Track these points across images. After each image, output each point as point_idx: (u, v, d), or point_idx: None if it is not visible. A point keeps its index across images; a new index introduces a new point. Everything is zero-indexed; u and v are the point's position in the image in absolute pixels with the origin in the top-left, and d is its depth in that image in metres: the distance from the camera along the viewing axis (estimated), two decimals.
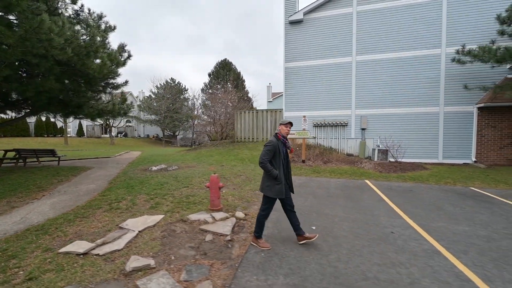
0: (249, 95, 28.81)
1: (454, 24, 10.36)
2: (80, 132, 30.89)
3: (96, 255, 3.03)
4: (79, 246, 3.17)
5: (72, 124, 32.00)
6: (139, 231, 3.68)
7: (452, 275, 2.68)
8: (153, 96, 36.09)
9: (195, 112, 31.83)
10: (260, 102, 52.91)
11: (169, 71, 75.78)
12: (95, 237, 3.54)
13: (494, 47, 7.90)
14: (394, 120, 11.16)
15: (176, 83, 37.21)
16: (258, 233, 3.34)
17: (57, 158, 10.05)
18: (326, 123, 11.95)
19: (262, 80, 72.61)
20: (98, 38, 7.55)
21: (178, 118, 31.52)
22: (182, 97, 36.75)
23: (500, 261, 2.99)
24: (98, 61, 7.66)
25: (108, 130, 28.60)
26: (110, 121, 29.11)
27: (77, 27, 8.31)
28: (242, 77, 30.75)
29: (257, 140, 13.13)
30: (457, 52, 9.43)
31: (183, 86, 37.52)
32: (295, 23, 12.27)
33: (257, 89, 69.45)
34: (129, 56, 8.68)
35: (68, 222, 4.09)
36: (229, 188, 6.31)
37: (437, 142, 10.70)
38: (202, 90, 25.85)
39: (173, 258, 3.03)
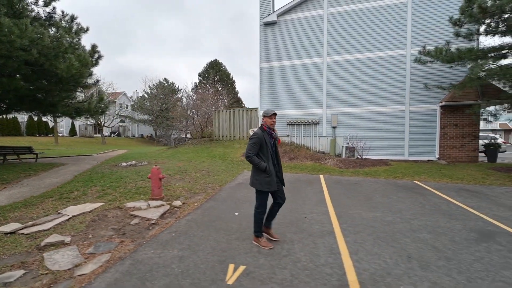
0: (239, 95, 29.18)
1: (418, 25, 10.73)
2: (72, 132, 31.25)
3: (22, 234, 3.40)
4: (10, 227, 3.54)
5: (65, 124, 32.40)
6: (73, 216, 4.05)
7: (327, 250, 3.04)
8: (146, 96, 36.54)
9: (188, 112, 32.28)
10: (254, 101, 53.37)
11: (167, 71, 76.36)
12: (32, 221, 3.90)
13: (445, 48, 8.23)
14: (363, 119, 11.51)
15: (169, 83, 37.66)
16: (257, 232, 3.15)
17: (34, 155, 10.44)
18: (299, 121, 12.31)
19: (257, 80, 73.03)
20: (67, 39, 7.93)
21: (171, 117, 31.92)
22: (175, 97, 37.19)
23: (381, 239, 3.35)
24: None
25: (99, 129, 28.94)
26: (101, 120, 29.55)
27: (52, 29, 8.76)
28: (232, 77, 31.20)
29: (234, 138, 13.50)
30: (419, 52, 9.79)
31: (176, 86, 37.95)
32: (269, 25, 12.65)
33: (252, 89, 69.92)
34: (99, 57, 9.06)
35: (14, 209, 4.46)
36: (184, 181, 6.68)
37: (403, 140, 11.06)
38: (192, 89, 26.29)
39: (90, 236, 3.40)
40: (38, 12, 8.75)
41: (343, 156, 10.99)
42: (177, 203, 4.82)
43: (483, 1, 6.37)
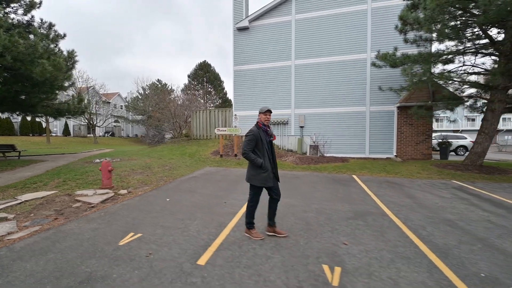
0: (228, 95, 29.93)
1: (377, 31, 11.43)
2: (66, 131, 32.01)
3: None
4: None
5: (59, 124, 33.15)
6: (26, 200, 4.77)
7: (217, 224, 3.75)
8: (140, 97, 37.33)
9: (179, 113, 33.08)
10: None
11: (162, 73, 77.15)
12: None
13: (389, 53, 8.92)
14: (328, 119, 12.22)
15: (162, 84, 38.42)
16: (248, 224, 3.24)
17: (17, 153, 11.17)
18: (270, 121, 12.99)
19: None
20: (42, 46, 8.66)
21: (162, 118, 32.70)
22: (168, 98, 38.01)
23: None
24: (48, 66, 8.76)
25: (91, 129, 29.71)
26: (93, 120, 30.34)
27: (31, 36, 9.48)
28: (220, 78, 31.95)
29: (210, 137, 14.21)
30: (375, 57, 10.49)
31: (170, 87, 38.70)
32: (242, 30, 13.37)
33: None
34: (74, 62, 9.82)
35: None
36: (143, 175, 7.40)
37: (364, 139, 11.76)
38: (182, 90, 27.07)
39: (32, 215, 4.12)
40: (18, 20, 9.49)
41: (308, 154, 11.70)
42: (123, 191, 5.54)
43: (403, 14, 7.08)
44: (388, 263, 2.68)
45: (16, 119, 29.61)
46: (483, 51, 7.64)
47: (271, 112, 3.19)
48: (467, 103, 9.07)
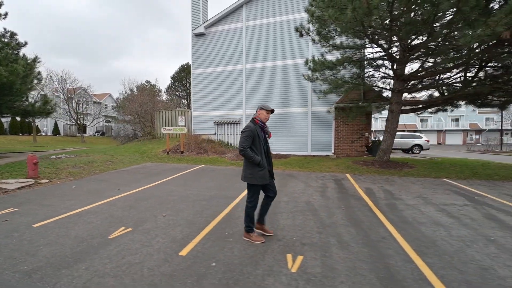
0: None
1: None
2: (56, 131, 33.25)
3: None
4: None
5: (49, 124, 34.44)
6: None
7: (90, 201, 4.70)
8: (130, 97, 38.56)
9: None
10: None
11: (159, 74, 78.55)
12: None
13: (309, 59, 9.75)
14: (275, 119, 13.04)
15: (151, 85, 39.57)
16: (248, 227, 3.11)
17: None
18: (223, 121, 13.96)
19: None
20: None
21: (149, 119, 33.86)
22: (157, 98, 39.19)
23: (147, 200, 4.99)
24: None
25: (78, 129, 30.88)
26: (80, 120, 31.56)
27: None
28: None
29: (171, 136, 15.16)
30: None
31: (158, 88, 39.83)
32: (199, 35, 14.32)
33: None
34: (33, 67, 10.87)
35: None
36: (79, 168, 8.39)
37: (306, 137, 12.65)
38: (165, 91, 28.18)
39: None
40: None
41: None
42: (44, 181, 6.52)
43: (296, 27, 8.04)
44: (179, 225, 3.60)
45: (6, 119, 30.91)
46: (378, 56, 8.56)
47: (273, 111, 3.19)
48: (384, 105, 9.93)
